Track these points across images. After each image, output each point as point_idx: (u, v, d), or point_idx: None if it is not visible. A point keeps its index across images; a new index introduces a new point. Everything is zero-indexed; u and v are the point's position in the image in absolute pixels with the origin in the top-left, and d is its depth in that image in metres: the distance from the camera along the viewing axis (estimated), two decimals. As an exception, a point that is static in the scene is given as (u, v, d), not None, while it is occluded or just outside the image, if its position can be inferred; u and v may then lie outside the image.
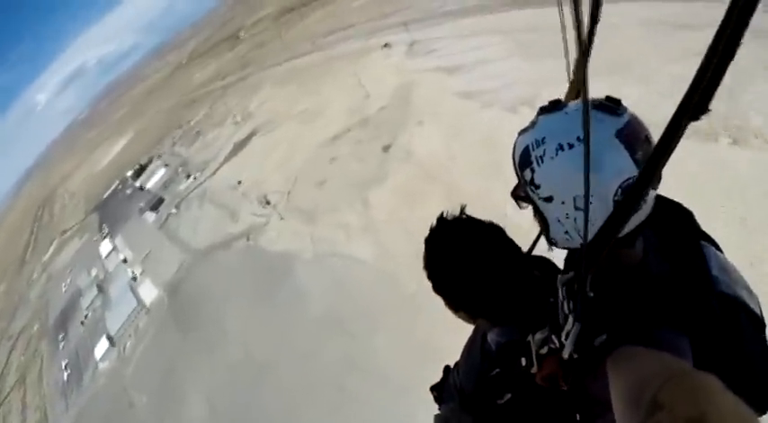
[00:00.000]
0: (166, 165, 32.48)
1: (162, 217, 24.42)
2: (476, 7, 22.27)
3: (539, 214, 1.34)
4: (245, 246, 15.65)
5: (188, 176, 26.19)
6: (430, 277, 1.53)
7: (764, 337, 1.31)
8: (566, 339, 1.13)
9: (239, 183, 19.44)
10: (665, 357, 0.98)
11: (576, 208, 1.19)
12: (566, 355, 1.14)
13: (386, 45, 22.30)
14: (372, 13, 29.18)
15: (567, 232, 1.27)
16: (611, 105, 1.16)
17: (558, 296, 1.18)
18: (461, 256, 1.46)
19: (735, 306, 1.26)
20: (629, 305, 1.19)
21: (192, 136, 33.25)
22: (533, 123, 1.28)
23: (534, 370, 1.29)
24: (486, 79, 16.35)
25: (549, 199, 1.25)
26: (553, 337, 1.20)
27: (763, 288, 1.57)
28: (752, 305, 1.30)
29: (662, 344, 1.06)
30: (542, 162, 1.21)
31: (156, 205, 26.63)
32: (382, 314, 10.08)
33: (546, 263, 1.73)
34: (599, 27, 0.81)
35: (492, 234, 1.51)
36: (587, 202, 0.99)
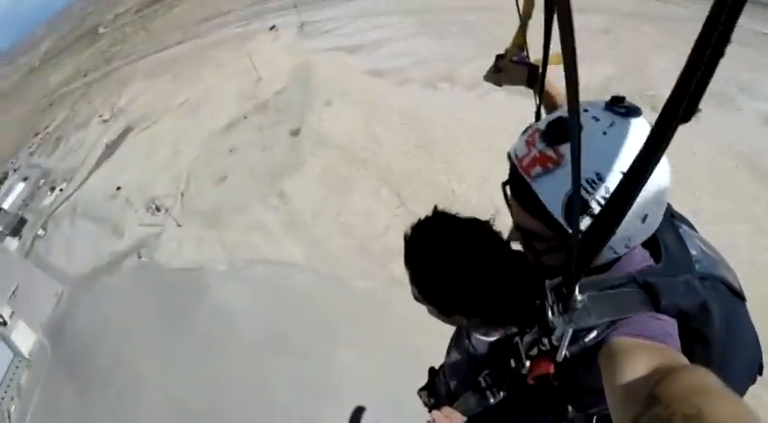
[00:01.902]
0: (25, 178, 25.41)
1: (26, 242, 18.69)
2: None
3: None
4: (137, 264, 11.83)
5: (52, 189, 20.65)
6: (415, 279, 1.44)
7: (746, 310, 1.31)
8: (557, 342, 1.07)
9: (118, 189, 15.25)
10: (659, 350, 0.97)
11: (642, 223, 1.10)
12: (560, 358, 1.09)
13: (272, 27, 19.57)
14: (247, 0, 25.86)
15: (615, 253, 1.16)
16: (631, 108, 1.05)
17: (545, 299, 1.06)
18: (451, 253, 1.36)
19: (717, 284, 1.22)
20: (614, 297, 1.09)
21: (53, 142, 26.87)
22: (556, 158, 1.07)
23: (525, 371, 1.21)
24: (393, 58, 14.52)
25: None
26: (544, 339, 1.12)
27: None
28: (732, 281, 1.27)
29: (650, 331, 1.02)
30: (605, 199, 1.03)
31: (17, 228, 20.20)
32: (335, 323, 7.88)
33: (524, 257, 1.44)
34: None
35: (479, 229, 1.41)
36: (576, 202, 0.86)
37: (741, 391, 1.31)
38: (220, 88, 16.87)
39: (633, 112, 1.05)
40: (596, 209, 1.05)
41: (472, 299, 1.39)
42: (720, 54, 0.49)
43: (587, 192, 1.05)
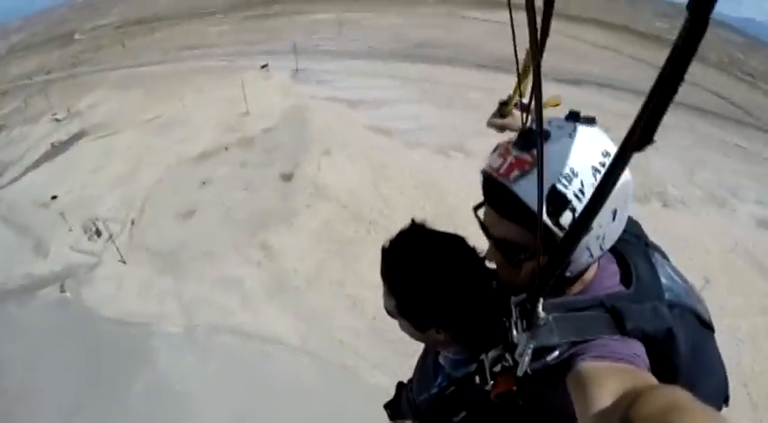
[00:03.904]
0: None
1: None
2: (362, 53, 18.76)
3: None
4: (58, 299, 7.80)
5: (-25, 179, 16.20)
6: (392, 291, 1.44)
7: (715, 341, 1.31)
8: (519, 357, 1.04)
9: (53, 198, 10.98)
10: (628, 372, 0.96)
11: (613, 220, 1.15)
12: (520, 373, 1.06)
13: (264, 66, 17.16)
14: (238, 39, 23.38)
15: (591, 255, 1.19)
16: (588, 118, 1.18)
17: (510, 315, 1.08)
18: (429, 264, 1.38)
19: (685, 313, 1.23)
20: (579, 319, 1.11)
21: (-8, 129, 22.27)
22: (531, 159, 1.14)
23: (489, 387, 1.19)
24: (398, 119, 12.67)
25: (592, 228, 1.10)
26: (507, 355, 1.12)
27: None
28: (701, 311, 1.28)
29: (617, 352, 1.03)
30: (583, 195, 1.11)
31: None
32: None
33: (496, 274, 1.47)
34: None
35: (457, 243, 1.46)
36: (540, 221, 0.92)
37: None
38: (200, 112, 13.77)
39: (591, 121, 1.17)
40: (575, 202, 1.10)
41: (448, 311, 1.38)
42: (674, 91, 0.53)
43: (565, 186, 1.10)
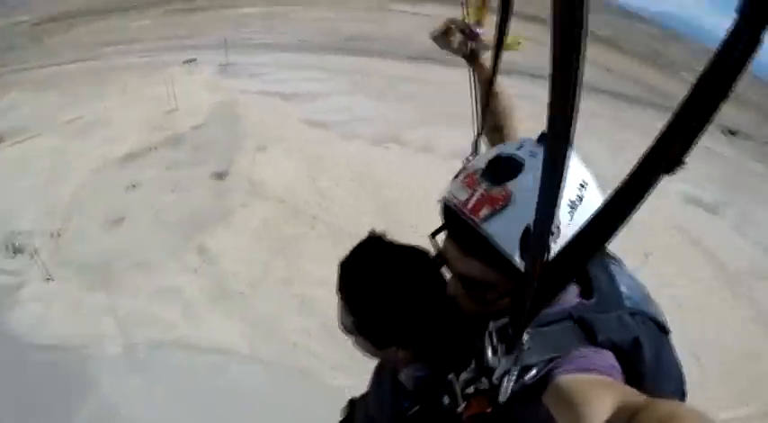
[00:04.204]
0: None
1: None
2: (292, 46, 18.17)
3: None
4: None
5: None
6: (351, 307, 1.36)
7: (671, 343, 1.28)
8: (497, 381, 0.98)
9: None
10: (611, 386, 0.93)
11: None
12: (503, 398, 0.99)
13: (190, 60, 16.35)
14: (161, 34, 22.13)
15: None
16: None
17: (485, 340, 1.00)
18: (389, 278, 1.30)
19: (646, 320, 1.20)
20: (553, 334, 1.05)
21: None
22: (503, 197, 1.05)
23: (461, 409, 1.08)
24: (332, 111, 12.46)
25: None
26: (483, 379, 1.02)
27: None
28: (657, 315, 1.25)
29: (596, 365, 0.99)
30: (560, 234, 1.03)
31: None
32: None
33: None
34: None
35: (417, 256, 1.37)
36: (545, 243, 0.78)
37: None
38: (123, 111, 12.79)
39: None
40: (552, 239, 0.96)
41: (409, 328, 1.29)
42: (715, 108, 0.44)
43: None
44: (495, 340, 0.99)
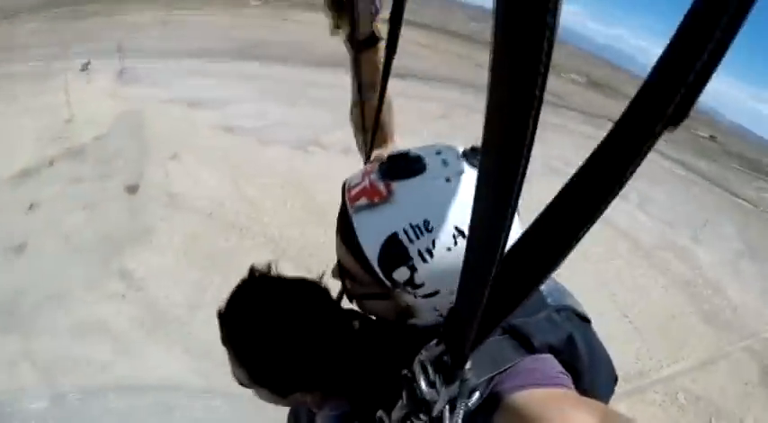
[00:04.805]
0: None
1: None
2: (193, 52, 16.79)
3: (400, 305, 1.06)
4: None
5: None
6: (240, 360, 1.24)
7: (594, 330, 1.22)
8: (439, 414, 0.81)
9: None
10: (569, 397, 0.85)
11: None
12: None
13: (84, 66, 14.63)
14: (51, 40, 19.32)
15: (440, 315, 1.02)
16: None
17: (417, 368, 0.82)
18: (278, 320, 1.14)
19: (570, 314, 1.15)
20: (488, 350, 0.92)
21: None
22: (385, 193, 0.95)
23: None
24: (245, 117, 11.81)
25: (432, 294, 0.99)
26: (421, 415, 0.82)
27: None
28: (577, 306, 1.19)
29: (544, 377, 0.91)
30: (431, 257, 0.93)
31: None
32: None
33: (359, 315, 1.30)
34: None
35: (307, 290, 1.22)
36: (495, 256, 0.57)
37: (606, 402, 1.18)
38: (11, 122, 10.94)
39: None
40: (416, 261, 0.92)
41: (308, 370, 1.16)
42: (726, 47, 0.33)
43: (408, 238, 0.92)
44: (430, 371, 0.83)
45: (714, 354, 7.56)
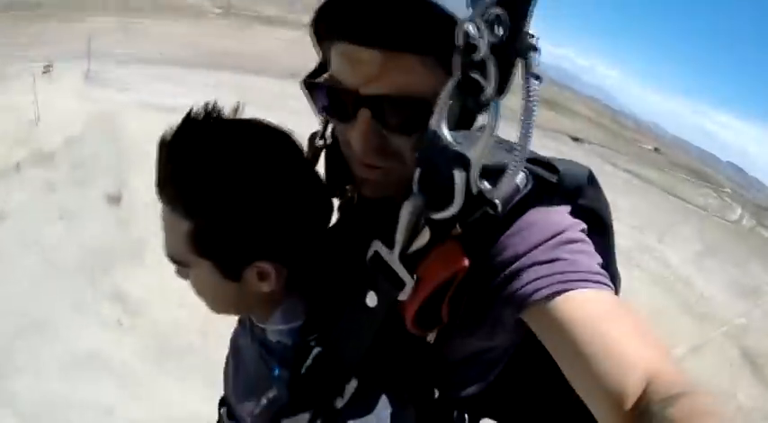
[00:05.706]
0: None
1: None
2: (157, 59, 15.97)
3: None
4: None
5: None
6: (191, 210, 0.83)
7: None
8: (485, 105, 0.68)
9: None
10: (619, 318, 0.68)
11: None
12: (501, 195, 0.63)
13: (46, 68, 13.00)
14: (9, 41, 17.41)
15: None
16: None
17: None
18: (249, 159, 0.84)
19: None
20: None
21: None
22: None
23: (407, 295, 0.65)
24: (225, 123, 10.83)
25: None
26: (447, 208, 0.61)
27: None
28: None
29: (587, 275, 0.70)
30: None
31: None
32: None
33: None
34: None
35: (279, 137, 0.93)
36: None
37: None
38: None
39: None
40: None
41: (279, 226, 0.83)
42: None
43: None
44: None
45: (698, 341, 8.12)
